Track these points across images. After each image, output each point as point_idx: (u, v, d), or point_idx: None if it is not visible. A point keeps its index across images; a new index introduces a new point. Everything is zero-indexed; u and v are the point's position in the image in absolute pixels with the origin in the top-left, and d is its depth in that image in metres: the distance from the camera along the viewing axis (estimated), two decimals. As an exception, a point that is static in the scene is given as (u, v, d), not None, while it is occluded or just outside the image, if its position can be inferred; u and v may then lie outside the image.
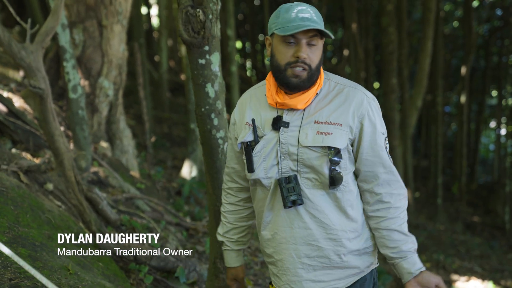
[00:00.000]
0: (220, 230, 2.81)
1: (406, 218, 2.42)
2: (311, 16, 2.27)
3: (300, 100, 2.35)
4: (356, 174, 2.43)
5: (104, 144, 5.95)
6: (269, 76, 2.46)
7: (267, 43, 2.42)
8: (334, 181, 2.32)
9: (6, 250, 1.90)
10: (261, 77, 25.69)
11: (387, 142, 2.41)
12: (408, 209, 2.49)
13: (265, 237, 2.53)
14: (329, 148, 2.31)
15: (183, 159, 10.47)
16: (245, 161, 2.48)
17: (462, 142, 18.49)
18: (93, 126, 5.87)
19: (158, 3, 14.72)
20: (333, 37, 2.32)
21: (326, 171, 2.32)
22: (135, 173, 6.35)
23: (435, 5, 13.08)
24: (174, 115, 14.38)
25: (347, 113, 2.33)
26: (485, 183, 26.43)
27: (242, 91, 12.98)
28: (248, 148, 2.46)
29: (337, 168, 2.33)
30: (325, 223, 2.37)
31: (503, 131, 25.62)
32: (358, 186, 2.44)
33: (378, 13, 20.21)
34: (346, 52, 17.85)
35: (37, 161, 4.69)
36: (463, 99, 19.04)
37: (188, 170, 7.96)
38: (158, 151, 10.91)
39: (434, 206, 16.34)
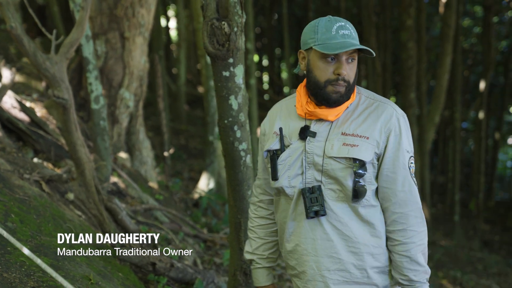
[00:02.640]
0: (248, 248, 2.76)
1: (423, 244, 2.34)
2: (350, 33, 2.27)
3: (331, 112, 2.35)
4: (376, 190, 2.40)
5: (123, 155, 5.98)
6: (300, 88, 2.47)
7: (300, 56, 2.42)
8: (358, 193, 2.30)
9: (38, 260, 1.92)
10: (277, 90, 25.76)
11: (412, 161, 2.36)
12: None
13: (287, 249, 2.51)
14: (354, 160, 2.30)
15: (199, 171, 10.49)
16: (269, 169, 2.48)
17: (480, 159, 18.35)
18: (113, 137, 5.91)
19: (177, 16, 14.82)
20: (374, 54, 2.32)
21: (350, 183, 2.31)
22: (153, 184, 6.37)
23: (454, 21, 13.06)
24: (191, 127, 14.43)
25: (374, 127, 2.32)
26: (503, 200, 26.15)
27: (258, 104, 12.98)
28: (273, 156, 2.46)
29: (361, 180, 2.31)
30: (347, 235, 2.35)
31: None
32: (380, 203, 2.41)
33: (396, 28, 20.22)
34: (363, 67, 17.87)
35: (58, 170, 4.72)
36: (481, 115, 18.93)
37: (205, 182, 7.98)
38: (175, 162, 10.94)
39: (451, 222, 16.18)
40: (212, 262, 5.11)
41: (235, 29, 3.02)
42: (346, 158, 2.30)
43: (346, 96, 2.33)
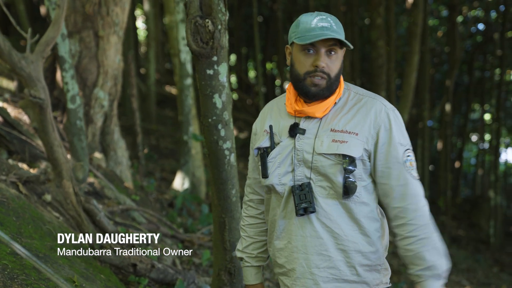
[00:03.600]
0: (239, 245, 2.75)
1: (427, 238, 2.30)
2: (330, 25, 2.27)
3: (318, 108, 2.35)
4: (376, 188, 2.41)
5: (98, 155, 5.89)
6: (289, 86, 2.47)
7: (287, 52, 2.43)
8: (348, 190, 2.30)
9: (26, 253, 1.87)
10: (245, 88, 25.76)
11: (408, 154, 2.34)
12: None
13: (277, 246, 2.50)
14: (344, 156, 2.29)
15: (171, 171, 10.41)
16: (260, 167, 2.48)
17: (446, 156, 18.63)
18: (87, 137, 5.82)
19: (146, 15, 14.70)
20: (352, 47, 2.32)
21: (340, 179, 2.31)
22: (129, 184, 6.30)
23: (421, 20, 13.20)
24: (162, 127, 14.33)
25: (364, 123, 2.32)
26: (468, 197, 26.61)
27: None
28: (263, 154, 2.46)
29: (351, 177, 2.31)
30: (337, 233, 2.35)
31: (486, 145, 25.87)
32: (380, 201, 2.42)
33: (364, 26, 20.40)
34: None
35: (33, 171, 4.64)
36: (447, 113, 19.21)
37: (180, 182, 7.92)
38: (147, 163, 10.85)
39: (419, 219, 16.35)
40: (191, 263, 5.08)
41: (219, 27, 3.00)
42: (335, 154, 2.30)
43: (327, 90, 2.33)
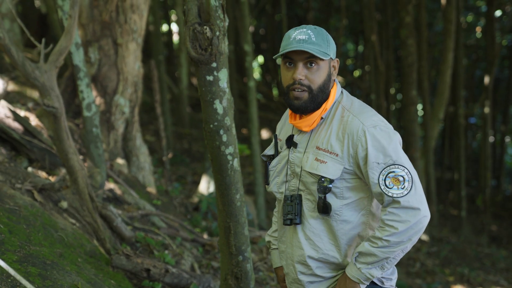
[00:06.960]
0: (269, 230, 2.86)
1: (374, 250, 2.26)
2: (308, 37, 2.28)
3: (304, 122, 2.40)
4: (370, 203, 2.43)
5: (120, 161, 5.97)
6: None
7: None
8: (326, 208, 2.34)
9: (11, 271, 1.91)
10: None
11: (391, 170, 2.24)
12: (431, 222, 2.41)
13: (280, 248, 2.62)
14: (321, 176, 2.33)
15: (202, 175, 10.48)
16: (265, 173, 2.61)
17: (486, 154, 18.20)
18: (109, 144, 5.90)
19: (177, 20, 14.83)
20: (324, 58, 2.31)
21: (318, 196, 2.36)
22: (151, 189, 6.36)
23: (455, 16, 12.98)
24: (194, 131, 14.42)
25: (343, 142, 2.32)
26: (512, 194, 25.95)
27: (262, 106, 12.84)
28: (266, 162, 2.59)
29: (329, 195, 2.35)
30: (318, 246, 2.42)
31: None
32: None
33: (397, 25, 20.15)
34: (367, 65, 17.81)
35: (52, 179, 4.72)
36: (486, 110, 18.80)
37: (205, 186, 7.96)
38: (178, 166, 10.94)
39: (458, 218, 16.10)
40: (210, 266, 5.09)
41: (217, 33, 3.01)
42: (314, 174, 2.36)
43: (310, 103, 2.34)
